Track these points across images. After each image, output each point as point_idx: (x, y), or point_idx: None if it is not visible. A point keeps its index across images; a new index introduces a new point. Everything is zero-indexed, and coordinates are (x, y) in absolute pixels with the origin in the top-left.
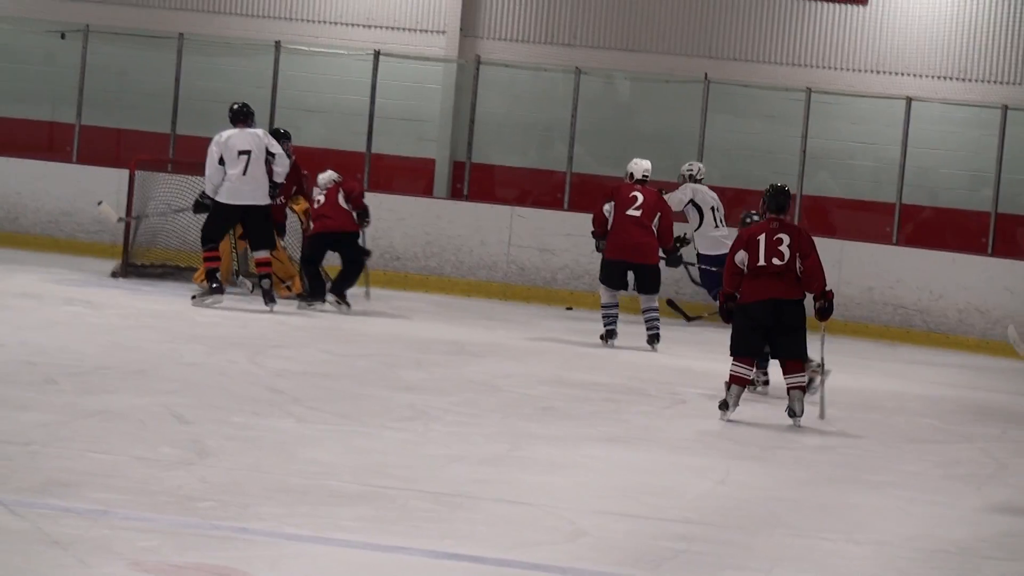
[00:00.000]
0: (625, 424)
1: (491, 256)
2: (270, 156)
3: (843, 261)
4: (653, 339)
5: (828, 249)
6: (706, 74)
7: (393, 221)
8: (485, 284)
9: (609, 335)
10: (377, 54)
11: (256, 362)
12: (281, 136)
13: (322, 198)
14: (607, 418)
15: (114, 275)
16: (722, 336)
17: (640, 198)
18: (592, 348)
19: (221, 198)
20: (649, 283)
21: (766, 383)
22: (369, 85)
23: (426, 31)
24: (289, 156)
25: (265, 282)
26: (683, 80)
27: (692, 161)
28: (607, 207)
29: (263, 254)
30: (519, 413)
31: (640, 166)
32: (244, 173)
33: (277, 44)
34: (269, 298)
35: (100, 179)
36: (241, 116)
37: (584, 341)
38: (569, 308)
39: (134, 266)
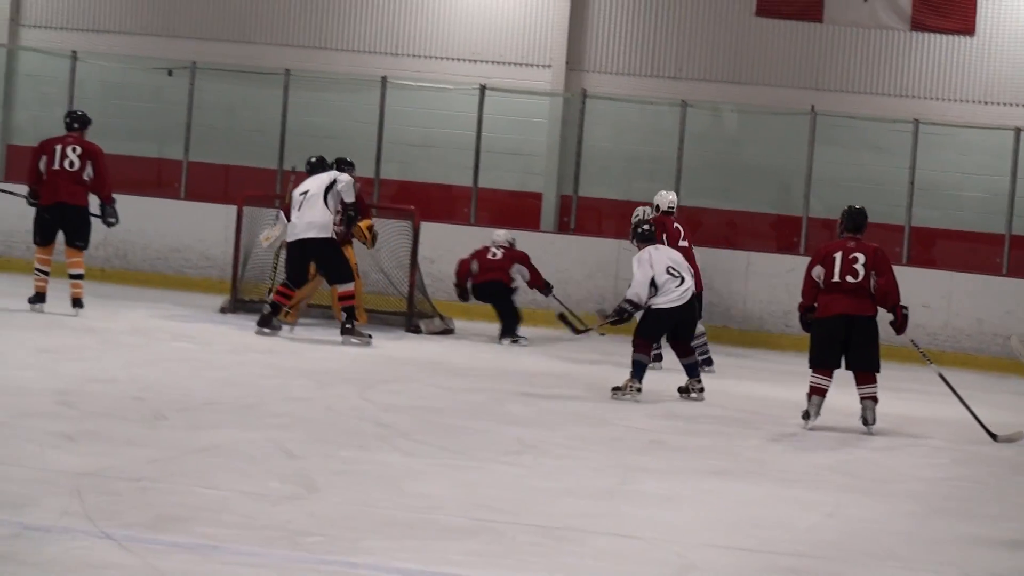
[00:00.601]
0: (734, 457)
1: (598, 289)
2: (330, 189)
3: (952, 293)
4: (707, 363)
5: (937, 281)
6: (812, 106)
7: None
8: (592, 318)
9: (656, 358)
10: (483, 88)
11: (365, 396)
12: (346, 165)
13: (500, 253)
14: (716, 451)
15: (223, 311)
16: (843, 372)
17: (682, 230)
18: (701, 381)
19: (287, 238)
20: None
21: (701, 390)
22: (475, 119)
23: (532, 65)
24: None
25: (343, 315)
26: (790, 112)
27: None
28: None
29: (341, 288)
30: (628, 447)
31: (666, 198)
32: (299, 210)
33: (383, 79)
34: (346, 331)
35: (208, 215)
36: (310, 168)
37: None
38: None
39: (242, 301)
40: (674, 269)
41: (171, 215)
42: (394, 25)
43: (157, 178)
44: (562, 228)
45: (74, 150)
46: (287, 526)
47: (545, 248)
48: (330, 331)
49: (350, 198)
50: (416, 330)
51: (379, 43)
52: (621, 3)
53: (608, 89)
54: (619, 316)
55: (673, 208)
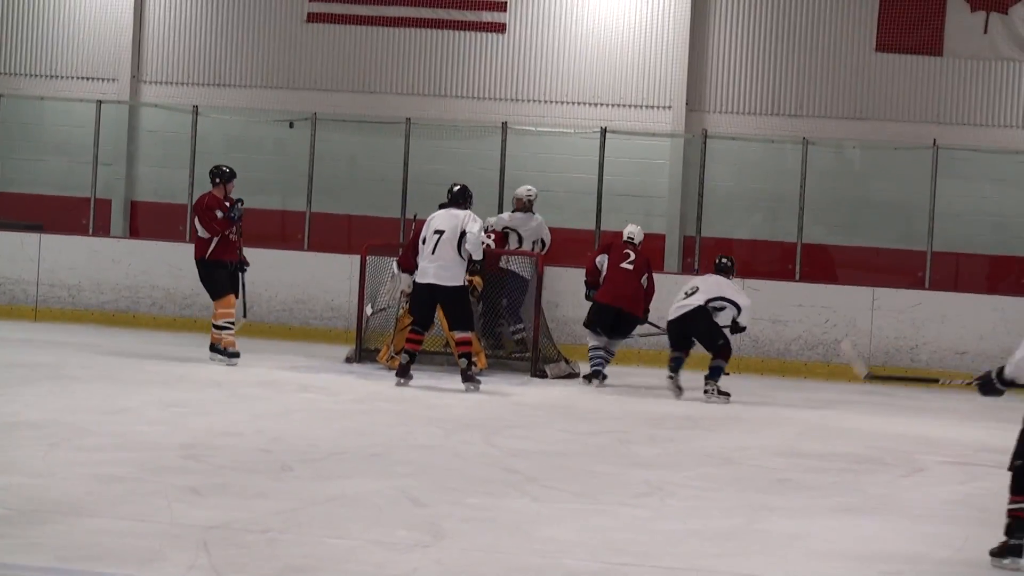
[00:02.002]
0: (862, 494)
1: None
2: (463, 236)
3: None
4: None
5: None
6: (935, 140)
7: None
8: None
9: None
10: (604, 131)
11: (491, 442)
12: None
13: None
14: (844, 488)
15: (348, 360)
16: (969, 405)
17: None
18: (827, 419)
19: (416, 278)
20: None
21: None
22: (597, 163)
23: (652, 107)
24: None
25: (462, 362)
26: (912, 147)
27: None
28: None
29: (462, 334)
30: (755, 486)
31: (627, 231)
32: (432, 252)
33: (504, 125)
34: (467, 379)
35: (332, 266)
36: (452, 198)
37: (819, 411)
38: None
39: (368, 351)
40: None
41: (295, 266)
42: (513, 71)
43: (281, 230)
44: (686, 269)
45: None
46: (414, 574)
47: (670, 288)
48: (455, 377)
49: (478, 255)
50: (542, 375)
51: (499, 89)
52: (740, 43)
53: (729, 129)
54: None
55: (632, 239)
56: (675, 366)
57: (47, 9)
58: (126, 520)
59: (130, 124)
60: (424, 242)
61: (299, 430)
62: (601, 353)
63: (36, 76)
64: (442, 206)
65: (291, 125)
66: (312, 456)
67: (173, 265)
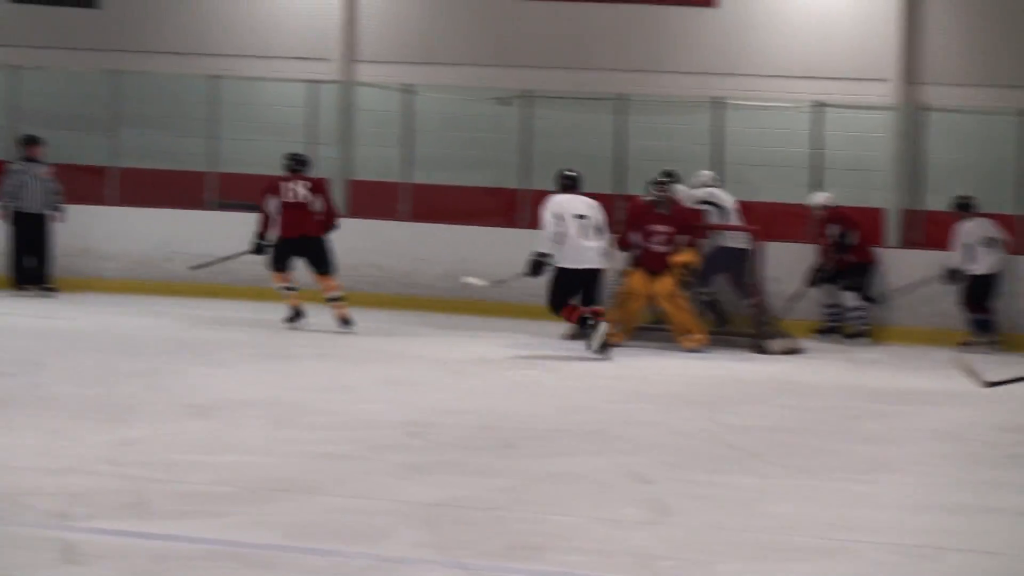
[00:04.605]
0: None
1: (948, 303)
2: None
3: None
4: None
5: None
6: None
7: None
8: (941, 332)
9: None
10: (819, 105)
11: (712, 419)
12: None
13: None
14: None
15: (574, 337)
16: None
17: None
18: None
19: (569, 263)
20: None
21: None
22: (812, 136)
23: (867, 79)
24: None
25: (601, 325)
26: None
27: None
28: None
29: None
30: (985, 461)
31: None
32: (586, 236)
33: (717, 100)
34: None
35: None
36: (574, 182)
37: None
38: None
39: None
40: None
41: (510, 243)
42: (727, 45)
43: (495, 207)
44: (907, 243)
45: (305, 186)
46: (642, 551)
47: (891, 263)
48: (674, 354)
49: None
50: (763, 350)
51: (712, 64)
52: (956, 14)
53: (946, 100)
54: None
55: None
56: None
57: None
58: (351, 498)
59: (345, 104)
60: (561, 225)
61: (520, 407)
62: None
63: (250, 57)
64: (564, 190)
65: (506, 103)
66: (534, 433)
67: (390, 244)
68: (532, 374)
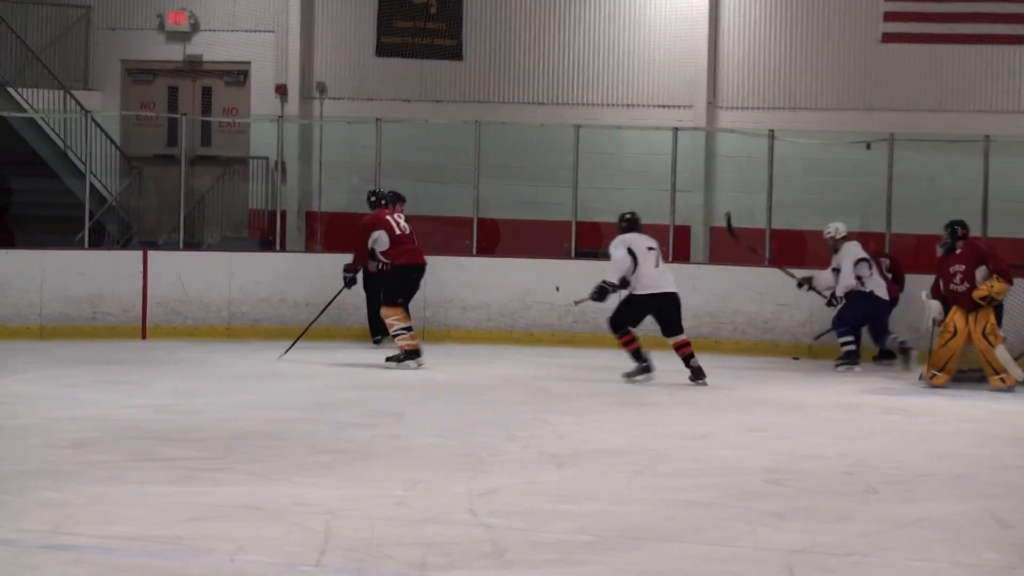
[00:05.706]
0: None
1: None
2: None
3: None
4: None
5: None
6: None
7: None
8: None
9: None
10: None
11: None
12: None
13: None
14: None
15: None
16: None
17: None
18: None
19: (650, 289)
20: None
21: None
22: None
23: None
24: None
25: (694, 362)
26: None
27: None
28: None
29: (683, 338)
30: None
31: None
32: (657, 266)
33: None
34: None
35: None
36: (637, 223)
37: None
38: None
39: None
40: None
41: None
42: None
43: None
44: None
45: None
46: None
47: None
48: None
49: None
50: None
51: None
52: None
53: None
54: None
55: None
56: None
57: (623, 41)
58: (710, 545)
59: (707, 151)
60: (638, 260)
61: (882, 452)
62: None
63: (613, 106)
64: (624, 230)
65: (868, 146)
66: (897, 478)
67: (753, 290)
68: (895, 419)
